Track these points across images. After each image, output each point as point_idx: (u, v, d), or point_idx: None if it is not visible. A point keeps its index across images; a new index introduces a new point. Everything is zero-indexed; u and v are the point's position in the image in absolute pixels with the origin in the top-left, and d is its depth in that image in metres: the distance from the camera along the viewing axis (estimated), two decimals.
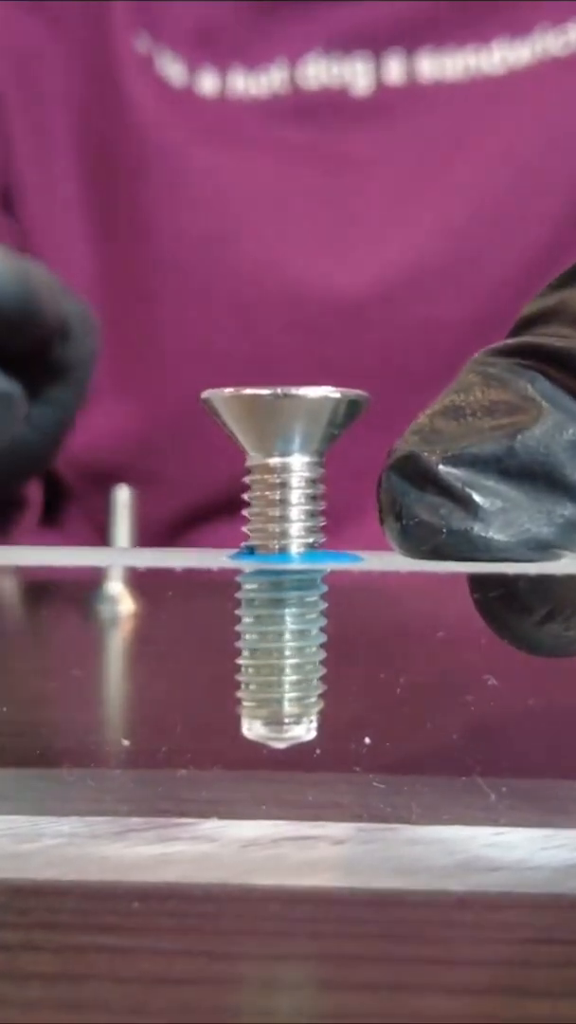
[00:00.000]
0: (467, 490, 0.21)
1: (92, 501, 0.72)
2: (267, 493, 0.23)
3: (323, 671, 0.23)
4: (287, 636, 0.23)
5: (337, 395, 0.22)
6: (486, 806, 0.24)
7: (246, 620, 0.23)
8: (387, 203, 0.72)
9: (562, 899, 0.20)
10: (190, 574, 0.23)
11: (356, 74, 0.73)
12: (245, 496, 0.23)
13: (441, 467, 0.22)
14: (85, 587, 0.50)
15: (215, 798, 0.24)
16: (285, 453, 0.22)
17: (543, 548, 0.22)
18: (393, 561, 0.22)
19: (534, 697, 0.33)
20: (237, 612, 0.23)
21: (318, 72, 0.74)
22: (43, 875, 0.21)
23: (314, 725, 0.23)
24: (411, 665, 0.38)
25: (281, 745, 0.23)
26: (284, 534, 0.22)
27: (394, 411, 0.30)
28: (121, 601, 0.49)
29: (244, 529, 0.23)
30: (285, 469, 0.22)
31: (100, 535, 0.61)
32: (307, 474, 0.23)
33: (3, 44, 0.75)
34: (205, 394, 0.23)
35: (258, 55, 0.74)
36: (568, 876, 0.21)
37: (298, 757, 0.24)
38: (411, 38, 0.73)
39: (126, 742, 0.30)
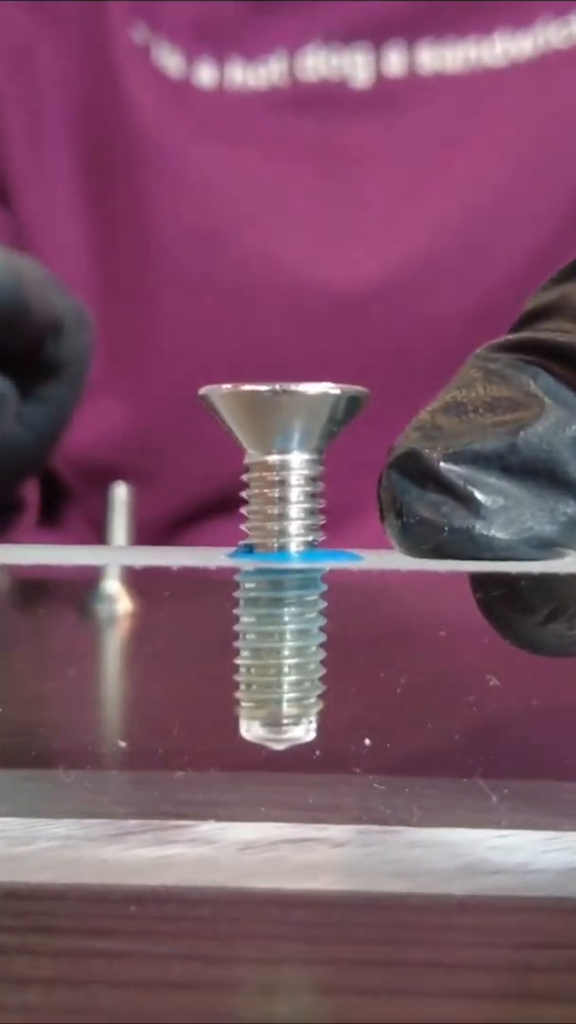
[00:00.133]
0: (469, 488, 0.21)
1: (89, 499, 0.72)
2: (266, 491, 0.22)
3: (323, 671, 0.23)
4: (286, 636, 0.23)
5: (337, 391, 0.22)
6: (488, 808, 0.24)
7: (245, 619, 0.23)
8: (387, 196, 0.72)
9: (565, 903, 0.20)
10: (188, 573, 0.23)
11: (356, 66, 0.73)
12: (244, 494, 0.23)
13: (443, 464, 0.21)
14: (82, 586, 0.50)
15: (213, 800, 0.24)
16: (284, 450, 0.22)
17: (546, 546, 0.21)
18: (394, 560, 0.22)
19: (537, 697, 0.33)
20: (236, 611, 0.23)
21: (317, 64, 0.73)
22: (38, 878, 0.21)
23: (313, 726, 0.23)
24: (412, 665, 0.37)
25: (280, 746, 0.23)
26: (283, 532, 0.22)
27: (395, 407, 0.30)
28: (118, 600, 0.49)
29: (243, 527, 0.23)
30: (284, 466, 0.22)
31: (97, 533, 0.61)
32: (306, 471, 0.23)
33: None
34: (203, 390, 0.22)
35: (257, 46, 0.74)
36: (571, 879, 0.21)
37: (297, 758, 0.24)
38: (411, 29, 0.73)
39: (123, 743, 0.30)
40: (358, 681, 0.32)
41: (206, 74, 0.74)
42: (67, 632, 0.49)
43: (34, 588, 0.55)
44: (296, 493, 0.22)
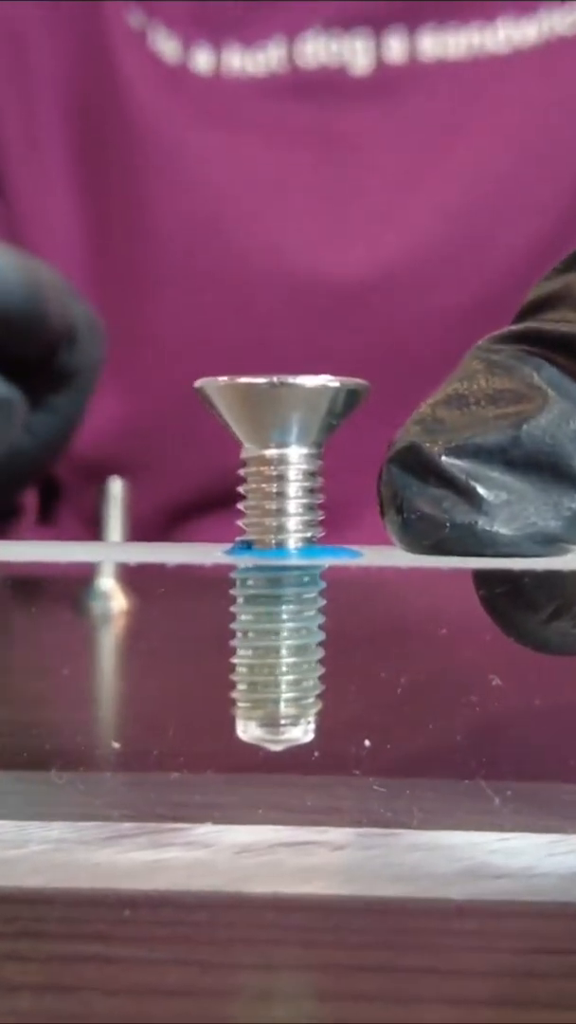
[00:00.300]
0: (471, 482, 0.21)
1: (82, 495, 0.72)
2: (263, 486, 0.22)
3: (321, 670, 0.23)
4: (284, 634, 0.23)
5: (336, 384, 0.22)
6: (490, 810, 0.23)
7: (242, 617, 0.23)
8: (387, 185, 0.72)
9: (569, 908, 0.20)
10: (184, 569, 0.23)
11: (356, 52, 0.73)
12: (241, 489, 0.23)
13: (444, 458, 0.21)
14: (76, 583, 0.50)
15: (209, 802, 0.24)
16: (282, 444, 0.22)
17: (550, 542, 0.21)
18: (394, 556, 0.22)
19: (540, 697, 0.33)
20: (232, 609, 0.23)
21: (316, 50, 0.73)
22: (30, 882, 0.21)
23: (312, 727, 0.23)
24: (413, 664, 0.37)
25: (278, 747, 0.23)
26: (281, 528, 0.22)
27: (395, 400, 0.30)
28: (113, 597, 0.49)
29: (240, 523, 0.23)
30: (282, 461, 0.22)
31: (90, 529, 0.60)
32: (305, 466, 0.22)
33: None
34: (199, 383, 0.22)
35: (255, 32, 0.73)
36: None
37: (295, 760, 0.23)
38: (413, 15, 0.73)
39: (117, 744, 0.30)
40: (357, 681, 0.32)
41: (203, 60, 0.74)
42: (61, 630, 0.48)
43: (28, 585, 0.55)
44: (294, 488, 0.22)
